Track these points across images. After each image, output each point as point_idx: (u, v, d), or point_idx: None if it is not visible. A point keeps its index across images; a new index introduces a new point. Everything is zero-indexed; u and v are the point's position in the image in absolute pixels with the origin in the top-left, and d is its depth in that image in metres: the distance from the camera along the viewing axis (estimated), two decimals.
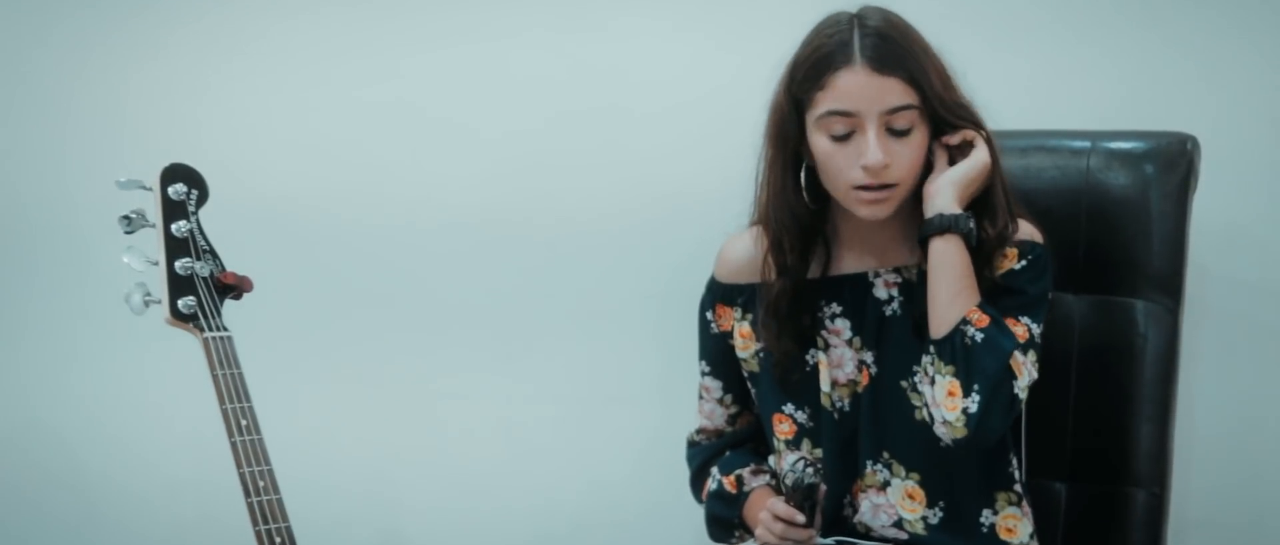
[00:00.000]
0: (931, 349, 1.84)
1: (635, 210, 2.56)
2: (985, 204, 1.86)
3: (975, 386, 1.80)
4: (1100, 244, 2.05)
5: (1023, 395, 1.83)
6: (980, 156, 1.85)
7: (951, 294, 1.82)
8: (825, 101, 1.81)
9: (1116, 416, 2.05)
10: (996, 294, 1.86)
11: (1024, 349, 1.83)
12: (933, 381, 1.84)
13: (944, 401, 1.82)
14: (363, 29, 2.64)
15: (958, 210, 1.83)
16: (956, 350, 1.81)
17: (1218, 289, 2.28)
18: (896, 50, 1.79)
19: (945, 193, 1.84)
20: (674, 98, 2.51)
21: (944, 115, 1.83)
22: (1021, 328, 1.84)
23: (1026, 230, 1.90)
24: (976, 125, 1.86)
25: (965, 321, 1.81)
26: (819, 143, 1.84)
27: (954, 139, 1.85)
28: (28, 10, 2.76)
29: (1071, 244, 2.03)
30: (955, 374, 1.81)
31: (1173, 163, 2.05)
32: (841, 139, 1.81)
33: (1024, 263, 1.87)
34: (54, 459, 2.87)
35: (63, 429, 2.85)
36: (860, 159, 1.80)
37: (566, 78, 2.56)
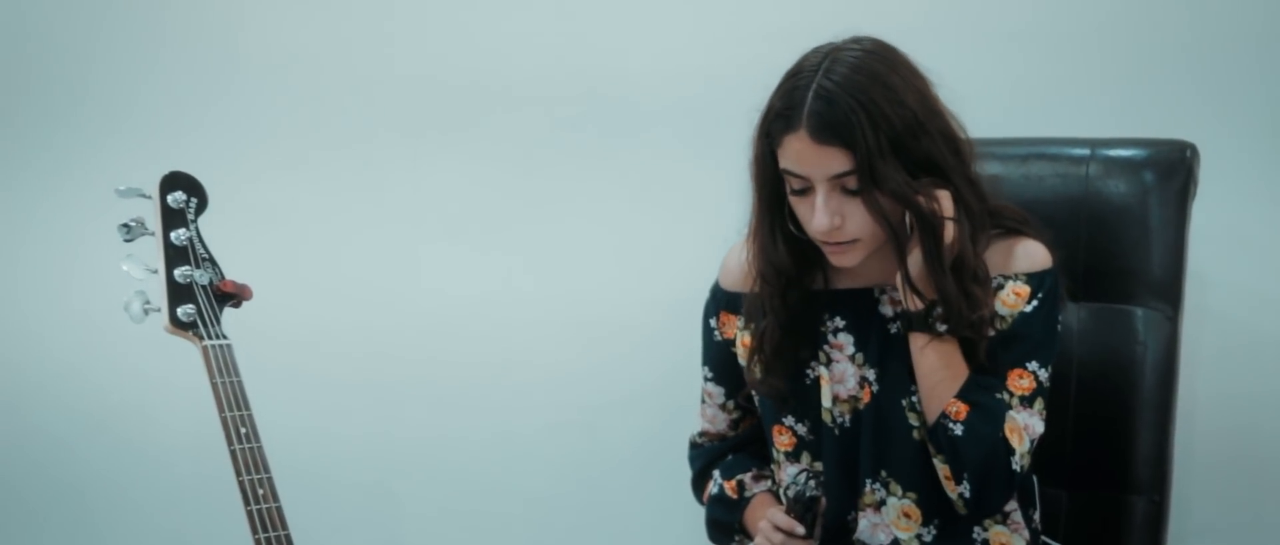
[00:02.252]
0: (926, 430, 1.85)
1: (636, 213, 2.56)
2: (958, 279, 1.81)
3: (965, 475, 1.82)
4: (1100, 251, 2.05)
5: (1023, 463, 1.82)
6: (916, 248, 1.79)
7: (929, 388, 1.83)
8: (782, 159, 1.80)
9: (1116, 424, 2.04)
10: (1005, 342, 1.84)
11: (1030, 400, 1.83)
12: (934, 458, 1.86)
13: (944, 483, 1.85)
14: (360, 36, 2.64)
15: (916, 305, 1.81)
16: (942, 442, 1.82)
17: (1217, 296, 2.28)
18: (841, 118, 1.73)
19: (903, 290, 1.83)
20: (677, 98, 2.52)
21: (881, 186, 1.75)
22: (1027, 378, 1.84)
23: (1035, 256, 1.86)
24: (912, 202, 1.76)
25: (945, 415, 1.81)
26: (788, 189, 1.84)
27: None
28: (28, 17, 2.76)
29: (1071, 251, 2.02)
30: (946, 462, 1.82)
31: (1172, 170, 2.05)
32: (800, 194, 1.81)
33: (1035, 303, 1.84)
34: (54, 466, 2.87)
35: (63, 436, 2.85)
36: (813, 219, 1.80)
37: (567, 78, 2.57)
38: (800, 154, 1.77)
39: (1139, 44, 2.31)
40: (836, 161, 1.76)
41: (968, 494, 1.82)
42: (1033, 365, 1.84)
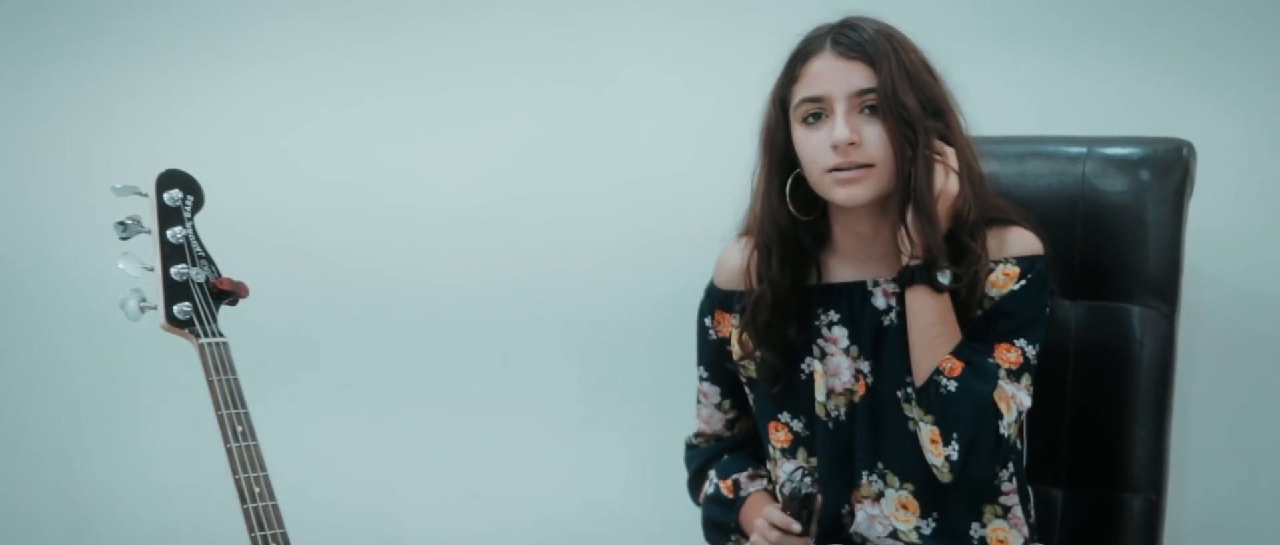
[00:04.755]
0: (913, 395, 1.85)
1: (630, 216, 2.56)
2: (956, 231, 1.84)
3: (954, 435, 1.82)
4: (1096, 250, 2.05)
5: (1010, 431, 1.83)
6: (944, 185, 1.82)
7: (924, 344, 1.84)
8: (799, 92, 1.85)
9: (1113, 422, 2.05)
10: (992, 318, 1.86)
11: (1017, 375, 1.84)
12: (917, 426, 1.86)
13: (929, 448, 1.85)
14: (359, 35, 2.63)
15: (919, 256, 1.82)
16: (933, 400, 1.83)
17: (1213, 294, 2.29)
18: (866, 38, 1.82)
19: (903, 235, 1.83)
20: (670, 101, 2.52)
21: (894, 113, 1.80)
22: (1015, 353, 1.85)
23: (1026, 242, 1.88)
24: (922, 133, 1.80)
25: (938, 372, 1.82)
26: (797, 134, 1.86)
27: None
28: (24, 15, 2.76)
29: (1067, 250, 2.03)
30: (935, 423, 1.83)
31: (1168, 168, 2.05)
32: (814, 124, 1.83)
33: (1024, 282, 1.86)
34: (49, 464, 2.86)
35: (58, 434, 2.85)
36: (829, 139, 1.81)
37: (561, 82, 2.56)
38: (822, 72, 1.83)
39: (1136, 41, 2.31)
40: (859, 76, 1.81)
41: (954, 456, 1.82)
42: (1020, 342, 1.85)
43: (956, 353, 1.83)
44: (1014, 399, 1.84)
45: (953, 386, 1.82)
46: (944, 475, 1.85)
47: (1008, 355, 1.85)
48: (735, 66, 2.37)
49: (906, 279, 1.84)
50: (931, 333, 1.83)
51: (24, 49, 2.77)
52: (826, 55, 1.83)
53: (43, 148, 2.79)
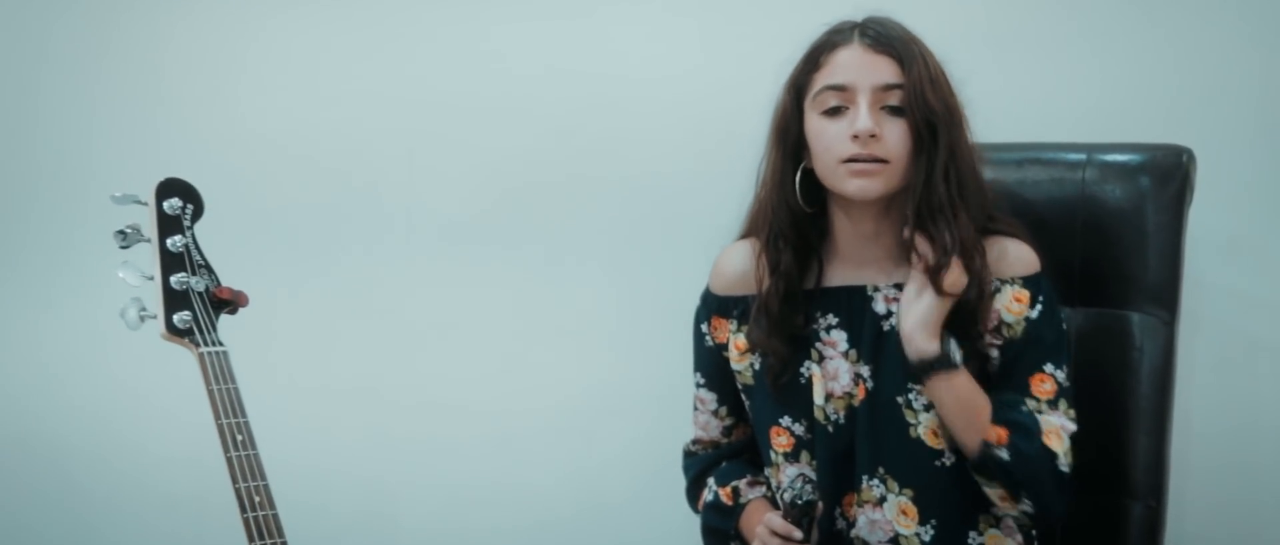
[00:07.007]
0: (971, 464, 1.86)
1: (632, 220, 2.56)
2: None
3: (1022, 494, 1.84)
4: (1096, 257, 2.05)
5: (1068, 461, 1.85)
6: (956, 284, 1.82)
7: (963, 425, 1.85)
8: (821, 80, 1.85)
9: (1113, 429, 2.04)
10: (1019, 351, 1.86)
11: (1055, 402, 1.86)
12: (985, 487, 1.87)
13: (1003, 504, 1.87)
14: (356, 42, 2.64)
15: (933, 350, 1.82)
16: (994, 471, 1.84)
17: (1213, 301, 2.29)
18: (896, 36, 1.83)
19: (917, 338, 1.83)
20: (671, 106, 2.52)
21: (919, 113, 1.81)
22: (1049, 382, 1.86)
23: (1025, 259, 1.89)
24: (937, 142, 1.82)
25: (987, 444, 1.83)
26: (812, 123, 1.86)
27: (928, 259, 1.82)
28: (24, 22, 2.76)
29: (1067, 256, 2.03)
30: (1000, 486, 1.84)
31: (1168, 175, 2.05)
32: (834, 114, 1.84)
33: (1038, 307, 1.87)
34: (50, 473, 2.86)
35: (59, 444, 2.85)
36: (850, 129, 1.81)
37: (563, 88, 2.57)
38: (849, 62, 1.83)
39: (1135, 48, 2.31)
40: (886, 71, 1.82)
41: (1030, 509, 1.85)
42: (1049, 367, 1.86)
43: (996, 418, 1.84)
44: (1062, 430, 1.85)
45: (1005, 455, 1.82)
46: (1024, 523, 1.90)
47: (1043, 386, 1.86)
48: (739, 74, 2.37)
49: (921, 373, 1.84)
50: (966, 413, 1.84)
51: (25, 56, 2.77)
52: (855, 47, 1.84)
53: (44, 155, 2.79)
